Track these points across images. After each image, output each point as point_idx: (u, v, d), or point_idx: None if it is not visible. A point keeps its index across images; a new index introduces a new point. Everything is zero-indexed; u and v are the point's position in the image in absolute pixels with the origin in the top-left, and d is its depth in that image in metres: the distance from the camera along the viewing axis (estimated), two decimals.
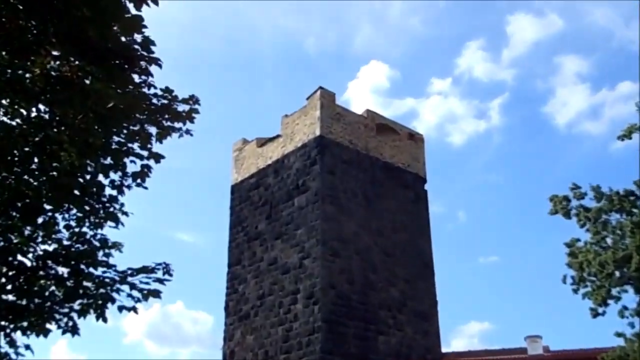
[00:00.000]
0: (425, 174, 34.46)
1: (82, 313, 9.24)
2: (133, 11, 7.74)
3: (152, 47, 8.14)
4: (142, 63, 8.24)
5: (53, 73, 8.07)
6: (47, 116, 8.59)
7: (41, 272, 9.30)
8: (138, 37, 8.02)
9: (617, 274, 19.63)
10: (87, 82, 8.09)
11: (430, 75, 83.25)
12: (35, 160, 8.88)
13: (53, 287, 9.34)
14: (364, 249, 29.84)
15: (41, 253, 9.48)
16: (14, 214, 9.06)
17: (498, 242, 73.00)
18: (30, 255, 9.45)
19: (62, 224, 9.61)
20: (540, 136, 74.46)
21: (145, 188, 9.75)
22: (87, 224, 9.70)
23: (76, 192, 9.27)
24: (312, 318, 27.48)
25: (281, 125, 33.19)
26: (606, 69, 74.51)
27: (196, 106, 9.36)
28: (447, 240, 69.63)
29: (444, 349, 31.16)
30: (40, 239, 9.55)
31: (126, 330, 73.84)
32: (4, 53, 7.88)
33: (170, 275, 9.62)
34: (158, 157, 9.48)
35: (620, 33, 72.64)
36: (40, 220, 9.35)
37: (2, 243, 9.18)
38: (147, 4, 7.71)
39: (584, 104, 74.18)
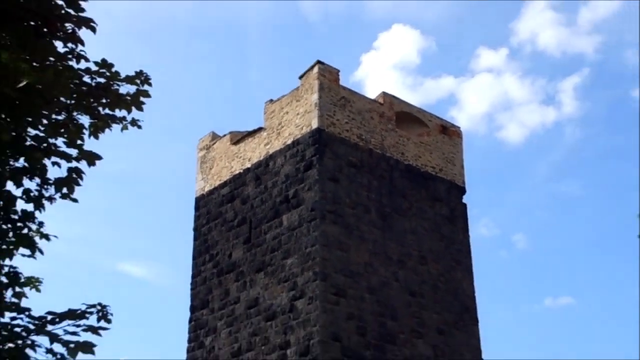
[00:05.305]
0: (464, 181, 34.62)
1: None
2: None
3: (82, 4, 8.10)
4: (68, 26, 8.19)
5: None
6: None
7: None
8: None
9: None
10: None
11: (477, 45, 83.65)
12: None
13: None
14: (380, 287, 29.81)
15: None
16: None
17: (572, 278, 73.09)
18: None
19: None
20: (631, 130, 74.68)
21: (75, 200, 9.71)
22: None
23: None
24: None
25: (265, 115, 33.28)
26: None
27: (146, 87, 9.34)
28: (497, 274, 69.65)
29: None
30: None
31: None
32: None
33: (109, 321, 9.61)
34: (92, 158, 9.45)
35: None
36: None
37: None
38: None
39: None
